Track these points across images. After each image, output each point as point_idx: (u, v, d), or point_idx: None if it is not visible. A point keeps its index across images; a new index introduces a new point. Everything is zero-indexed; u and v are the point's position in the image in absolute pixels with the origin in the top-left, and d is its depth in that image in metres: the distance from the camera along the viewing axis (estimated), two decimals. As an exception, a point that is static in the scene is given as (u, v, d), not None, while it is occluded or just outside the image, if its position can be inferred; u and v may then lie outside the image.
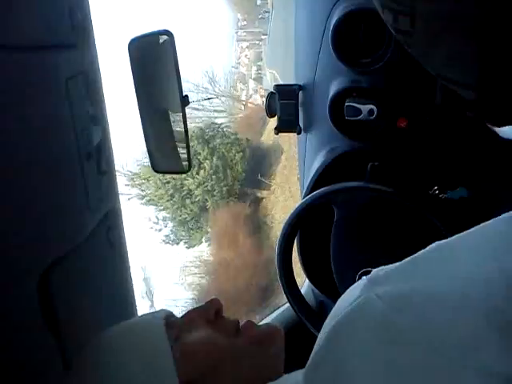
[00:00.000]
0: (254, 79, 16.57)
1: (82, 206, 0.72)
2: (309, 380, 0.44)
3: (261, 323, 0.73)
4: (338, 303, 0.47)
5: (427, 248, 0.46)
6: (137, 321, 0.71)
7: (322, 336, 0.45)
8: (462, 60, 0.47)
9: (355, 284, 0.47)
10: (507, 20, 0.41)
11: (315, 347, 0.45)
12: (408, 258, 0.46)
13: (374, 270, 0.47)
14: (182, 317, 0.70)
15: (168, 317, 0.68)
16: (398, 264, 0.46)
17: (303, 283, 1.39)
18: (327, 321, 0.46)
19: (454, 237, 0.45)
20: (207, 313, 0.68)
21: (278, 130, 1.25)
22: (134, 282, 0.97)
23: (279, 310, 1.36)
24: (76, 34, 0.66)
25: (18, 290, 0.61)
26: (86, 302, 0.76)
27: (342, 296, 0.48)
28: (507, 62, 0.44)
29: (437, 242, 0.46)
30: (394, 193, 1.10)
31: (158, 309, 0.73)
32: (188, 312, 0.70)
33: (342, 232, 1.16)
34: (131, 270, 0.96)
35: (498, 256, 0.42)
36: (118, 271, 0.91)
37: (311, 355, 0.45)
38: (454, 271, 0.42)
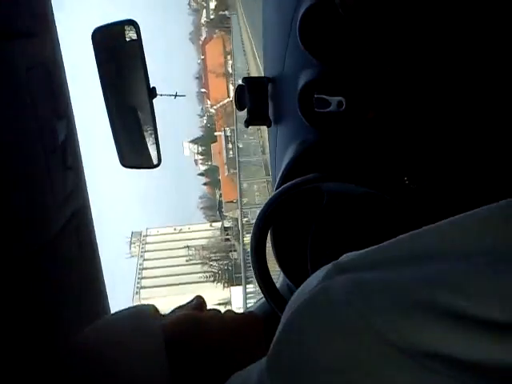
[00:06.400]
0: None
1: (48, 203, 0.69)
2: (270, 369, 0.45)
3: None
4: (299, 289, 0.47)
5: (398, 238, 0.46)
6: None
7: (280, 326, 0.45)
8: None
9: (320, 269, 0.47)
10: None
11: (275, 336, 0.46)
12: (377, 246, 0.46)
13: (342, 256, 0.47)
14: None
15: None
16: (365, 251, 0.46)
17: (278, 277, 1.38)
18: (287, 308, 0.46)
19: (424, 229, 0.45)
20: (191, 306, 0.68)
21: (249, 122, 1.24)
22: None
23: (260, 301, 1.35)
24: (35, 22, 0.63)
25: None
26: (53, 301, 0.73)
27: (306, 281, 0.47)
28: None
29: (410, 233, 0.46)
30: (361, 182, 1.09)
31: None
32: (173, 310, 0.69)
33: (324, 220, 1.15)
34: (102, 271, 0.93)
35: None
36: (87, 272, 0.88)
37: (272, 344, 0.45)
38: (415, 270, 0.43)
